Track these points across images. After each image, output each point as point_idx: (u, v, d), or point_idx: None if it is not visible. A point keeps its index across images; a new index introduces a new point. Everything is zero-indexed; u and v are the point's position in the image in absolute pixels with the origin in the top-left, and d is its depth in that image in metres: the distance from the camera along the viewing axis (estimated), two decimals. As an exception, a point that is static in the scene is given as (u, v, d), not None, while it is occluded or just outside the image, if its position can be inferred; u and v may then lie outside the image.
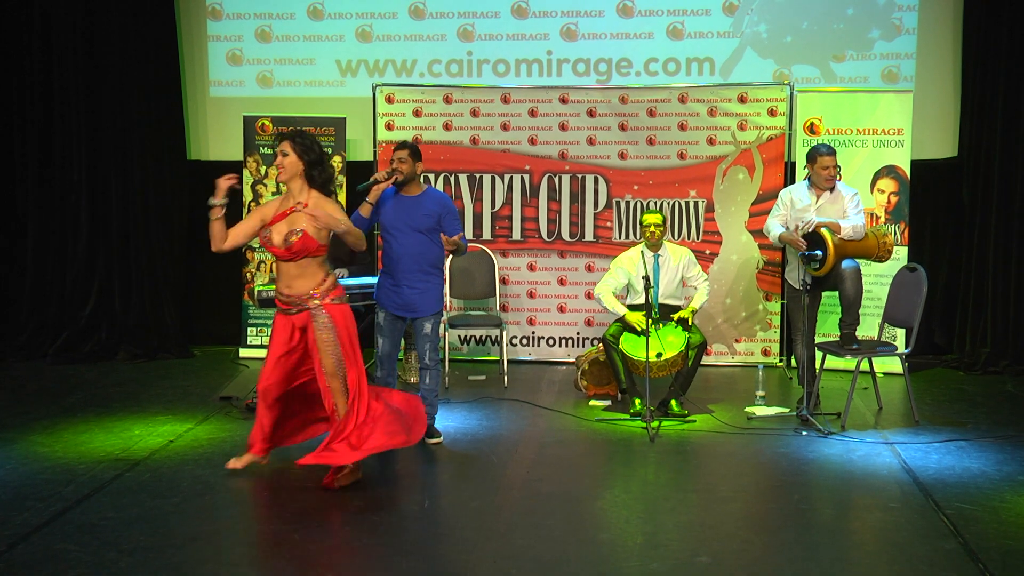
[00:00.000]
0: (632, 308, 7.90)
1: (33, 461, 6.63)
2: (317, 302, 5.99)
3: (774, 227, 7.85)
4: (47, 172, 10.05)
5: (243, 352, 9.91)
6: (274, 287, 8.01)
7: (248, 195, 9.93)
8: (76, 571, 4.86)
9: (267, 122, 9.92)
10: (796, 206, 7.76)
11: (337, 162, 9.88)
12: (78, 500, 5.85)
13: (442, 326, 8.88)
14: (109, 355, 9.79)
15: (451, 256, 7.17)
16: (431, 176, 9.57)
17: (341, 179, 9.86)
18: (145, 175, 10.04)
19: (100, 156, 9.99)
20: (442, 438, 7.09)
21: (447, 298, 9.25)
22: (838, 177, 7.84)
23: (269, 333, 8.41)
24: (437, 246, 6.92)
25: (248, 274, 9.93)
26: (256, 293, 8.08)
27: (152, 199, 10.06)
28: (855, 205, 7.62)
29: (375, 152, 9.72)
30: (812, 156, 7.74)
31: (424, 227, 6.86)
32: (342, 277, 8.29)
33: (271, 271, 9.73)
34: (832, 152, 7.69)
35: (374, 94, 9.76)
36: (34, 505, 5.77)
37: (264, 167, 9.91)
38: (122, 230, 10.03)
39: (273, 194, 9.88)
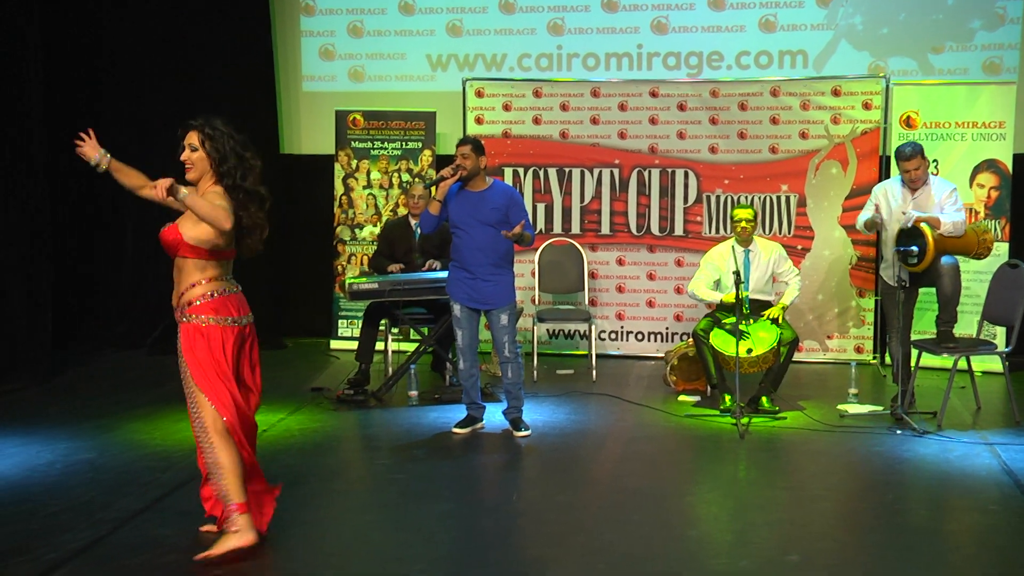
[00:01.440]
0: (722, 304, 7.84)
1: (133, 448, 6.79)
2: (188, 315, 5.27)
3: (862, 217, 7.75)
4: (144, 168, 10.20)
5: (334, 344, 10.02)
6: (365, 280, 8.15)
7: (339, 188, 10.03)
8: (173, 556, 4.95)
9: (359, 116, 10.01)
10: (891, 200, 7.64)
11: (427, 156, 9.94)
12: (175, 487, 5.97)
13: (530, 320, 8.92)
14: (203, 346, 9.94)
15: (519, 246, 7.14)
16: (520, 170, 9.60)
17: (431, 173, 9.91)
18: (238, 170, 10.18)
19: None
20: (530, 431, 7.10)
21: (536, 292, 9.27)
22: (934, 172, 7.71)
23: (359, 326, 8.50)
24: (506, 238, 6.94)
25: (339, 267, 10.04)
26: (348, 286, 8.15)
27: (246, 192, 10.19)
28: (953, 201, 7.48)
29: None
30: (896, 156, 7.62)
31: (492, 220, 6.89)
32: (433, 269, 8.33)
33: (361, 264, 9.81)
34: (913, 155, 7.47)
35: (464, 88, 9.80)
36: (134, 490, 5.90)
37: (355, 161, 10.00)
38: (216, 223, 10.18)
39: (365, 188, 9.98)
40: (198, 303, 5.14)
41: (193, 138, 4.96)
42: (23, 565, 4.87)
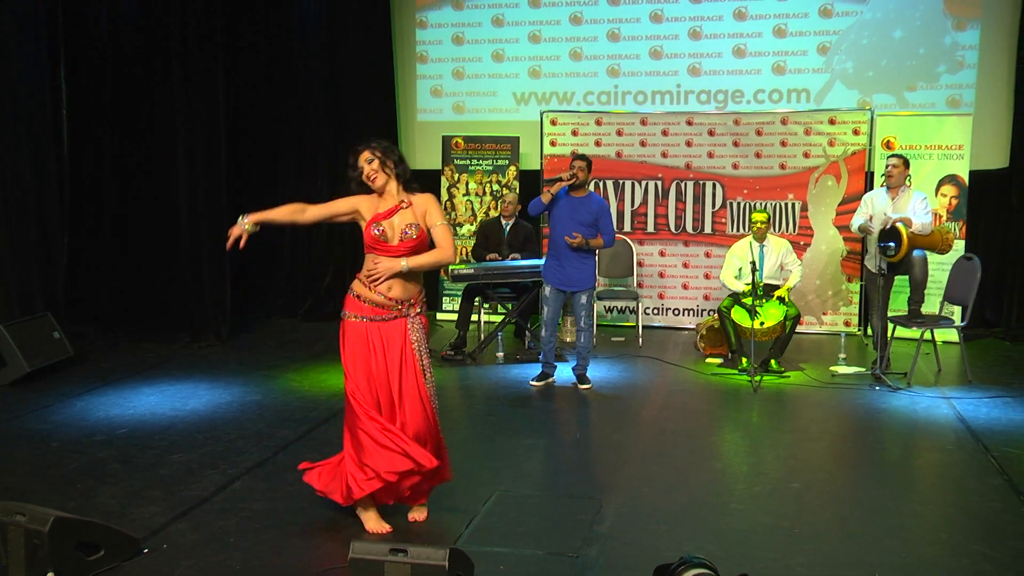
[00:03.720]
0: (742, 291, 7.80)
1: (289, 393, 6.95)
2: (417, 311, 4.49)
3: (855, 221, 7.67)
4: (303, 178, 10.40)
5: (439, 316, 10.09)
6: (464, 266, 8.19)
7: (445, 196, 10.10)
8: (320, 476, 5.08)
9: (460, 140, 10.06)
10: (876, 205, 7.55)
11: (512, 172, 9.97)
12: (319, 423, 6.11)
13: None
14: (340, 317, 10.07)
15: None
16: (584, 182, 9.59)
17: (515, 184, 9.94)
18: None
19: (338, 166, 10.24)
20: (592, 385, 7.13)
21: (597, 277, 9.28)
22: (908, 184, 7.60)
23: (459, 301, 8.55)
24: (592, 236, 6.97)
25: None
26: (450, 271, 8.22)
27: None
28: (924, 207, 7.36)
29: (541, 162, 9.77)
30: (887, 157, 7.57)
31: (586, 222, 6.94)
32: (514, 259, 8.38)
33: (462, 254, 9.87)
34: (897, 156, 7.51)
35: (541, 118, 9.80)
36: (290, 425, 6.06)
37: (457, 175, 10.06)
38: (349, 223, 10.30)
39: (464, 195, 10.04)
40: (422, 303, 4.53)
41: (368, 155, 4.41)
42: (212, 476, 5.06)
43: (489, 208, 9.96)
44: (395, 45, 10.40)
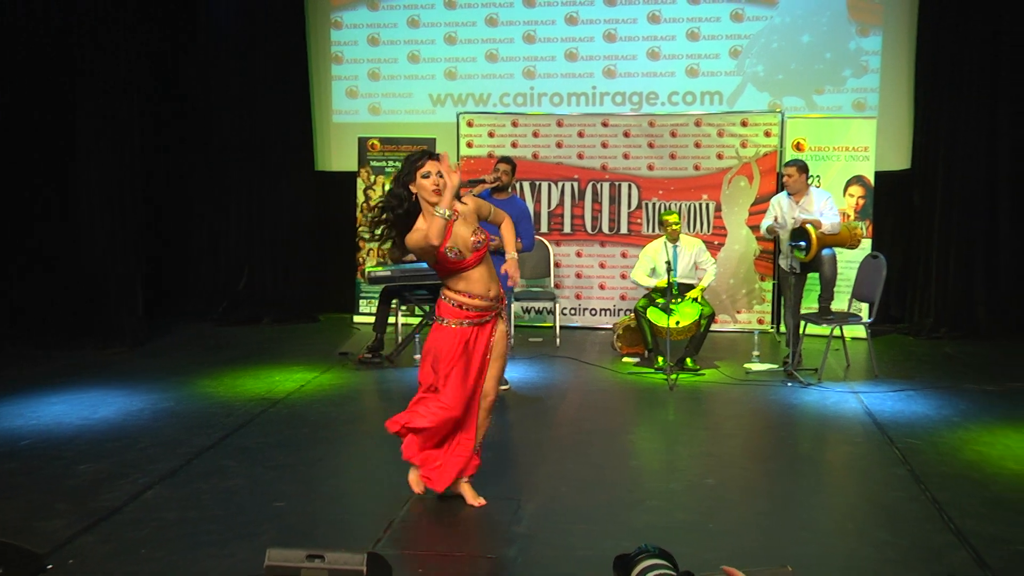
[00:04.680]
0: (656, 288, 7.90)
1: (204, 398, 6.80)
2: (501, 305, 4.58)
3: (764, 223, 7.85)
4: (214, 181, 10.23)
5: (356, 318, 10.02)
6: (380, 268, 8.14)
7: (361, 197, 10.02)
8: (234, 481, 5.00)
9: (376, 142, 10.00)
10: (783, 208, 7.72)
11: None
12: (235, 428, 6.00)
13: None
14: (256, 320, 9.95)
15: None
16: (501, 183, 9.61)
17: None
18: (284, 183, 10.17)
19: (251, 167, 10.14)
20: (510, 386, 7.14)
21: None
22: (816, 184, 7.79)
23: (376, 304, 8.48)
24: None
25: (360, 258, 10.04)
26: (367, 274, 8.17)
27: (288, 200, 10.18)
28: (830, 207, 7.55)
29: (458, 164, 9.74)
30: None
31: None
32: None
33: (378, 256, 9.82)
34: (789, 166, 7.69)
35: (458, 120, 9.80)
36: (205, 431, 5.93)
37: (373, 176, 9.99)
38: (265, 224, 10.18)
39: (380, 197, 9.96)
40: None
41: (438, 167, 4.25)
42: (123, 486, 4.92)
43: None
44: (310, 45, 10.30)
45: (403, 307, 8.85)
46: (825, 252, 7.47)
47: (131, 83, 8.72)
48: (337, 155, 10.45)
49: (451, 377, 4.46)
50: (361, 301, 10.08)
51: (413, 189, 4.33)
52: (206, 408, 6.52)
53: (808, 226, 7.35)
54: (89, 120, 8.52)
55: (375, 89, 10.34)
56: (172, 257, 10.32)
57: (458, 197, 4.36)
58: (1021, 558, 4.05)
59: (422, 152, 4.37)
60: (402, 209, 4.35)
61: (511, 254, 4.60)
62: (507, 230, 4.68)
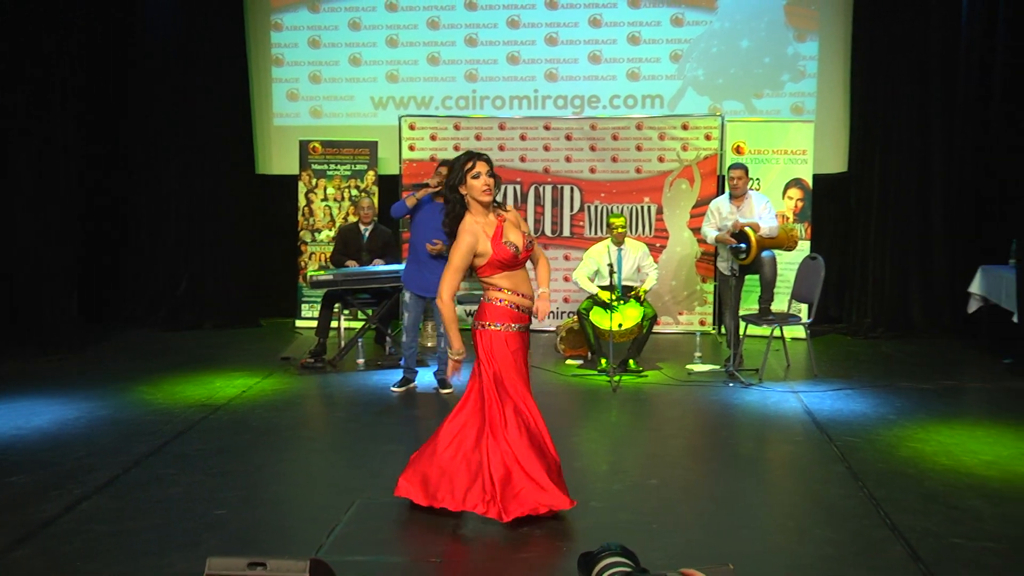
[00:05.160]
0: (600, 288, 7.94)
1: (142, 405, 6.69)
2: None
3: (709, 233, 7.91)
4: (152, 183, 10.06)
5: (298, 323, 9.94)
6: (323, 272, 8.09)
7: (302, 201, 9.95)
8: (174, 489, 4.93)
9: (317, 144, 9.93)
10: (722, 213, 7.82)
11: (371, 176, 9.90)
12: (175, 435, 5.91)
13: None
14: (197, 325, 9.82)
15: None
16: (444, 186, 9.59)
17: (374, 189, 9.89)
18: (224, 186, 10.04)
19: (191, 170, 10.00)
20: (453, 389, 7.12)
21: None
22: (756, 187, 7.89)
23: (318, 308, 8.42)
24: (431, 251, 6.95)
25: (302, 262, 9.96)
26: (309, 278, 8.12)
27: (229, 204, 10.05)
28: (769, 211, 7.67)
29: (400, 167, 9.73)
30: (729, 168, 7.84)
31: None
32: (376, 265, 8.33)
33: (320, 260, 9.76)
34: (737, 166, 7.79)
35: (400, 123, 9.76)
36: (143, 439, 5.83)
37: (315, 179, 9.92)
38: (206, 227, 10.04)
39: (323, 201, 9.90)
40: None
41: (488, 168, 4.46)
42: (58, 497, 4.82)
43: (348, 213, 9.86)
44: (249, 48, 10.20)
45: (346, 311, 8.79)
46: (765, 254, 7.58)
47: (64, 81, 8.53)
48: (278, 158, 10.36)
49: (518, 388, 4.47)
50: (303, 305, 9.99)
51: (463, 191, 4.45)
52: (145, 415, 6.42)
53: (747, 229, 7.46)
54: (18, 121, 8.32)
55: (316, 92, 10.26)
56: (110, 262, 10.12)
57: (497, 204, 4.54)
58: (952, 551, 4.16)
59: (468, 154, 4.50)
60: (462, 208, 4.47)
61: (544, 289, 4.62)
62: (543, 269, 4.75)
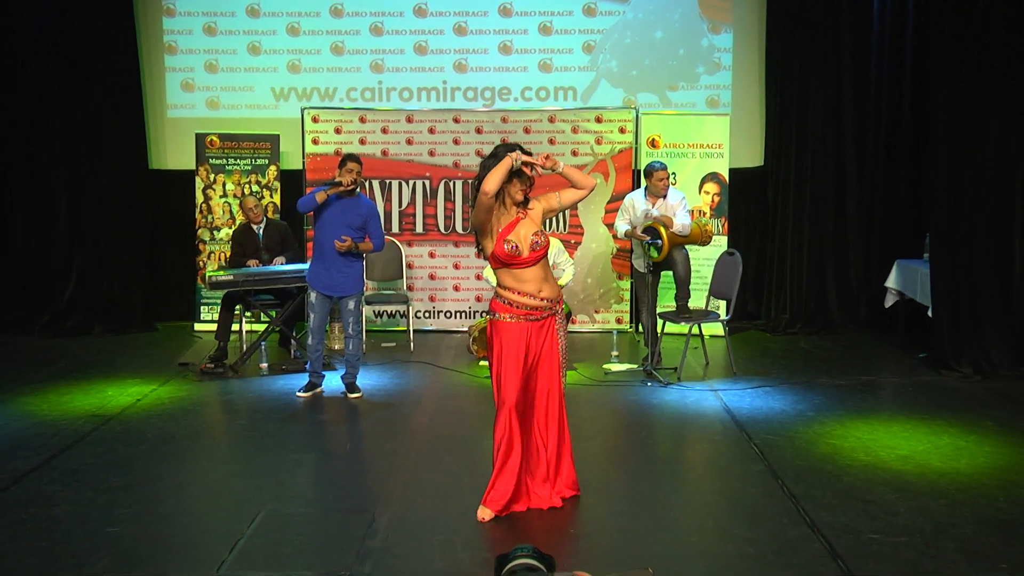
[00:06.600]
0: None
1: (24, 417, 6.47)
2: (561, 307, 4.87)
3: (620, 227, 7.99)
4: (34, 179, 9.74)
5: (197, 326, 9.73)
6: (222, 273, 7.95)
7: (200, 198, 9.75)
8: (61, 508, 4.78)
9: (215, 138, 9.74)
10: (637, 209, 7.91)
11: (272, 171, 9.76)
12: (62, 449, 5.74)
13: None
14: (86, 330, 9.52)
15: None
16: (350, 182, 9.51)
17: (276, 184, 9.74)
18: (115, 181, 9.75)
19: (78, 165, 9.70)
20: (362, 393, 7.08)
21: (365, 280, 9.21)
22: (673, 182, 8.00)
23: (218, 311, 8.26)
24: (360, 239, 6.90)
25: (200, 262, 9.76)
26: (208, 278, 7.96)
27: (121, 200, 9.78)
28: (683, 208, 7.78)
29: (303, 162, 9.59)
30: (649, 171, 7.89)
31: (355, 224, 6.86)
32: (280, 264, 8.22)
33: (219, 260, 9.58)
34: (664, 167, 7.86)
35: (302, 115, 9.63)
36: (25, 454, 5.64)
37: (213, 175, 9.73)
38: (95, 226, 9.76)
39: (222, 197, 9.72)
40: None
41: (531, 182, 4.73)
42: (-70, 520, 4.63)
43: (237, 217, 9.66)
44: (140, 33, 9.94)
45: (247, 313, 8.64)
46: (677, 251, 7.68)
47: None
48: (173, 152, 10.12)
49: (512, 380, 4.69)
50: (202, 308, 9.78)
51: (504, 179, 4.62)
52: (27, 428, 6.20)
53: (660, 226, 7.56)
54: None
55: (213, 82, 10.06)
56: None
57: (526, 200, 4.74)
58: (869, 546, 4.28)
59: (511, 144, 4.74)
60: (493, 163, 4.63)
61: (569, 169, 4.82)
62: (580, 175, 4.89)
